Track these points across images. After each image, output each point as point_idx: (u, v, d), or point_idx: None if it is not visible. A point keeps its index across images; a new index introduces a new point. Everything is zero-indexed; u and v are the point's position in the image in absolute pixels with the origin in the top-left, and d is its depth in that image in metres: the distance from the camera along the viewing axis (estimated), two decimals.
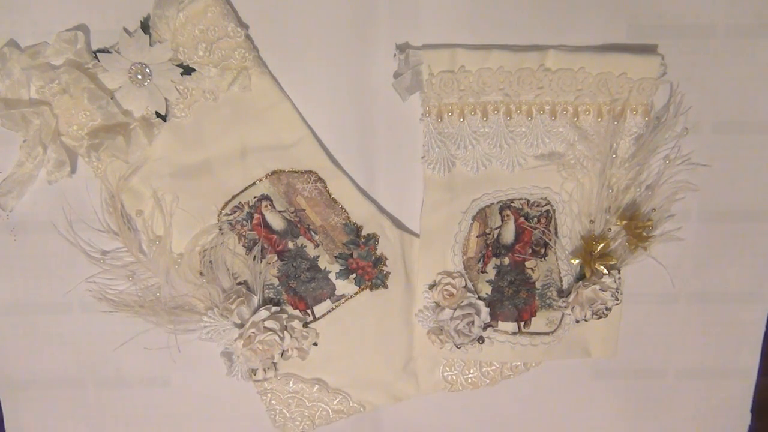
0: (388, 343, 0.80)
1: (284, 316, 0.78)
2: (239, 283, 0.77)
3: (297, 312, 0.79)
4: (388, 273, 0.79)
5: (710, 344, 0.83)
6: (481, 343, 0.79)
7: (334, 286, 0.79)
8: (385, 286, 0.79)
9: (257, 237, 0.78)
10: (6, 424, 0.84)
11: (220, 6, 0.72)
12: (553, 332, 0.80)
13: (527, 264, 0.79)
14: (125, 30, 0.73)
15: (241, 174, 0.77)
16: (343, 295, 0.79)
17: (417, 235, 0.79)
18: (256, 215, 0.77)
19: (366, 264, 0.79)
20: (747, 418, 0.85)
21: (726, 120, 0.77)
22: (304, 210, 0.78)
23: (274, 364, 0.79)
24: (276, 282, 0.79)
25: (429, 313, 0.79)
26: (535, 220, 0.78)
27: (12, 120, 0.72)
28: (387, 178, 0.79)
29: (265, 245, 0.78)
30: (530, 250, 0.79)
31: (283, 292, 0.79)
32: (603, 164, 0.76)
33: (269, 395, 0.81)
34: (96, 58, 0.72)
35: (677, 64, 0.75)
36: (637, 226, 0.77)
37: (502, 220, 0.78)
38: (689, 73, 0.76)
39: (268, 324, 0.76)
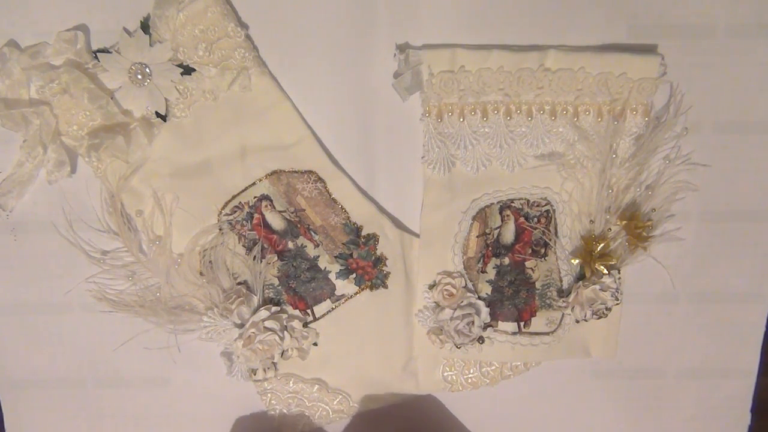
0: (388, 343, 0.80)
1: (284, 316, 0.78)
2: (239, 283, 0.77)
3: (297, 312, 0.79)
4: (388, 273, 0.79)
5: (710, 344, 0.83)
6: (481, 343, 0.79)
7: (334, 286, 0.79)
8: (385, 286, 0.79)
9: (257, 237, 0.78)
10: (6, 424, 0.84)
11: (220, 6, 0.72)
12: (553, 332, 0.80)
13: (527, 264, 0.79)
14: (125, 30, 0.73)
15: (241, 174, 0.77)
16: (343, 295, 0.79)
17: (417, 235, 0.79)
18: (256, 215, 0.77)
19: (366, 264, 0.79)
20: (747, 418, 0.85)
21: (726, 120, 0.77)
22: (304, 210, 0.78)
23: (274, 364, 0.79)
24: (276, 282, 0.79)
25: (429, 313, 0.79)
26: (535, 220, 0.78)
27: (12, 120, 0.72)
28: (387, 178, 0.79)
29: (265, 245, 0.78)
30: (530, 250, 0.79)
31: (283, 292, 0.79)
32: (603, 164, 0.75)
33: (269, 395, 0.81)
34: (96, 58, 0.72)
35: (677, 64, 0.75)
36: (637, 226, 0.77)
37: (502, 220, 0.78)
38: (689, 73, 0.76)
39: (268, 324, 0.76)
